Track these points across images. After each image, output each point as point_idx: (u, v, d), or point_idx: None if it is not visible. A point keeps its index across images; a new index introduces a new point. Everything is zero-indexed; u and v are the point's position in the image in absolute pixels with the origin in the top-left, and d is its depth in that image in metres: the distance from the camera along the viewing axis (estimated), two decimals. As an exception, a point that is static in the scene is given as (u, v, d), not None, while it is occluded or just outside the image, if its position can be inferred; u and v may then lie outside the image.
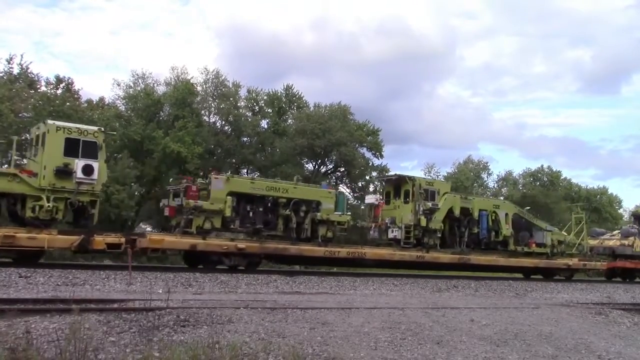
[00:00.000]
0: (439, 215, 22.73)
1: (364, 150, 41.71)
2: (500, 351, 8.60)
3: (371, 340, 8.40)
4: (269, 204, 19.46)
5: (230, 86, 38.62)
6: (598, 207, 54.54)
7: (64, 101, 29.75)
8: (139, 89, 37.45)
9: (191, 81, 37.35)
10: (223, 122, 38.95)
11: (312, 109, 41.12)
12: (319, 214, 19.98)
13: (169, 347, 6.79)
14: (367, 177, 40.95)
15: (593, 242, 30.15)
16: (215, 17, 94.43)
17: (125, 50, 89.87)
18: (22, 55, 32.02)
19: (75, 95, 32.73)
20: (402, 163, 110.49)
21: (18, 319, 7.45)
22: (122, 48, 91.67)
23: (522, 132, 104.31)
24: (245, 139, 38.80)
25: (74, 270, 14.30)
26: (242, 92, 40.01)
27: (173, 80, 38.14)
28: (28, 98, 28.99)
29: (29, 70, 31.36)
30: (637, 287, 25.58)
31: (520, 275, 26.74)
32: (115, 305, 9.34)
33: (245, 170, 38.91)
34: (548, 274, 26.57)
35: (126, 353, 6.60)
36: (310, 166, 40.75)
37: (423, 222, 22.17)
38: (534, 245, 25.63)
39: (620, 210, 60.71)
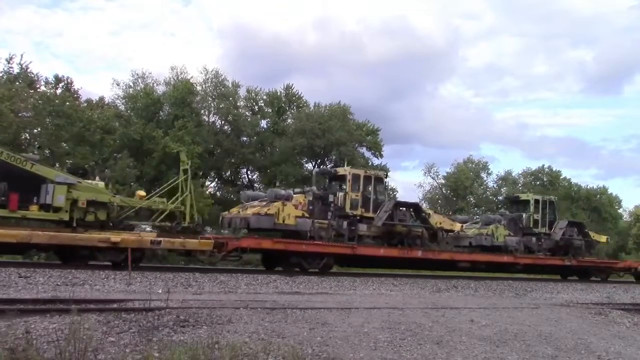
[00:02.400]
0: None
1: (363, 150, 41.76)
2: (500, 351, 8.61)
3: (371, 341, 8.40)
4: None
5: (230, 86, 38.67)
6: (598, 207, 54.48)
7: (63, 101, 29.77)
8: (138, 88, 37.51)
9: (191, 81, 37.39)
10: (222, 122, 39.02)
11: (311, 108, 41.14)
12: None
13: (168, 347, 6.80)
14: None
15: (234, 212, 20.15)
16: (217, 18, 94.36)
17: (126, 50, 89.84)
18: (22, 55, 31.95)
19: (75, 95, 32.76)
20: (404, 163, 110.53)
21: (18, 319, 7.44)
22: (123, 48, 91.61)
23: (524, 133, 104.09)
24: (244, 138, 38.83)
25: (73, 270, 14.30)
26: (242, 92, 40.11)
27: (172, 79, 38.22)
28: (28, 98, 29.01)
29: (28, 70, 31.38)
30: (637, 287, 25.58)
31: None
32: (115, 306, 9.33)
33: (245, 170, 38.96)
34: (76, 258, 15.94)
35: (126, 353, 6.59)
36: (310, 166, 40.80)
37: None
38: (35, 207, 15.74)
39: (620, 210, 60.81)
